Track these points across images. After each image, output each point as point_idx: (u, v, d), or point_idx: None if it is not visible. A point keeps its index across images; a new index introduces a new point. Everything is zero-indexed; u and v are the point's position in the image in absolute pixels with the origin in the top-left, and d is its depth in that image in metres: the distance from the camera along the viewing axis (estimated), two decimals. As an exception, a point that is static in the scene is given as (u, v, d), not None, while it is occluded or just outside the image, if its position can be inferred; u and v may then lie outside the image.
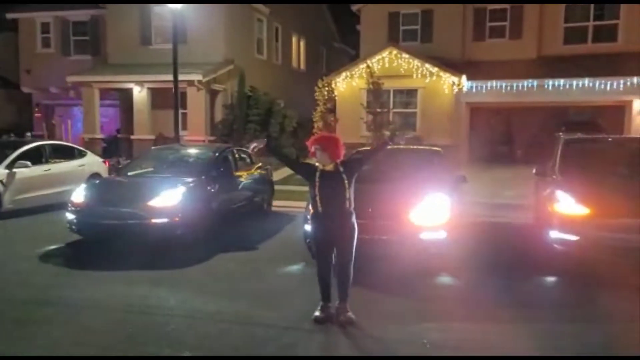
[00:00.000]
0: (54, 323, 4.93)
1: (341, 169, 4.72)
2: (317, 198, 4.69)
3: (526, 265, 6.87)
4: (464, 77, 16.94)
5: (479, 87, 17.30)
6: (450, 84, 16.78)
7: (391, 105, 17.34)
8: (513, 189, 12.51)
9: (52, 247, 7.74)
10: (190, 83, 17.55)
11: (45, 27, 21.92)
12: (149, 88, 18.55)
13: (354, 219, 4.77)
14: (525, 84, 16.65)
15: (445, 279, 6.41)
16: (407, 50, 17.26)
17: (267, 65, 22.01)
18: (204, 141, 17.48)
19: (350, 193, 4.71)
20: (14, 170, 10.04)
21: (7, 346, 4.41)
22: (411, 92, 17.42)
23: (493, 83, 17.02)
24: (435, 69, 16.74)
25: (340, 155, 4.75)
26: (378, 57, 17.14)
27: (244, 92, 18.88)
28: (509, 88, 16.86)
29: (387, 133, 15.95)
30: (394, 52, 17.11)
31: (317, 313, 4.86)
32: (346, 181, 4.67)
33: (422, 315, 4.95)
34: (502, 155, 21.96)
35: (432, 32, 18.86)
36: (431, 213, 6.45)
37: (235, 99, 18.94)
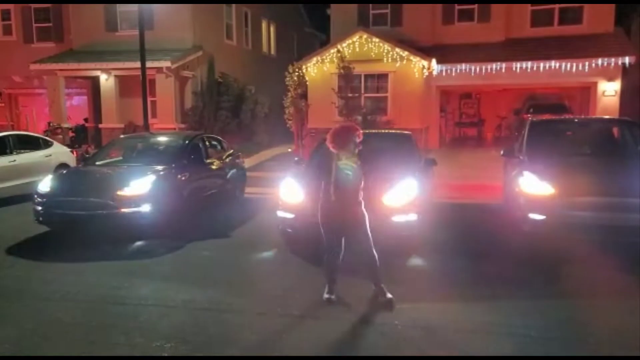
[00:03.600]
0: (21, 316, 4.84)
1: (357, 160, 4.79)
2: (332, 187, 4.73)
3: (495, 245, 7.03)
4: (433, 61, 17.05)
5: (448, 71, 17.46)
6: (420, 68, 16.87)
7: (362, 90, 17.35)
8: (482, 171, 12.74)
9: (19, 239, 7.56)
10: (159, 70, 17.22)
11: (5, 14, 21.15)
12: (116, 76, 18.13)
13: (363, 207, 4.88)
14: (494, 67, 16.86)
15: (416, 261, 6.51)
16: (377, 35, 17.25)
17: (237, 50, 21.73)
18: (174, 129, 17.24)
19: (362, 183, 4.85)
20: (-24, 162, 9.73)
21: (-27, 342, 4.31)
22: (382, 77, 17.45)
23: (462, 66, 17.20)
24: (405, 53, 16.80)
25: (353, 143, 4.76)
26: (348, 41, 17.10)
27: (213, 78, 18.63)
28: (477, 71, 17.06)
29: (359, 118, 16.00)
30: (364, 36, 17.09)
31: (326, 295, 4.99)
32: (360, 172, 4.79)
33: (395, 297, 5.02)
34: (472, 138, 22.33)
35: (401, 16, 18.88)
36: (402, 196, 6.52)
37: (205, 85, 18.68)
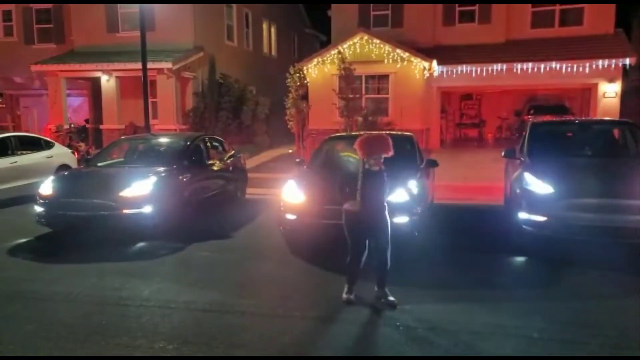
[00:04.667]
0: (24, 318, 4.84)
1: (383, 167, 4.84)
2: (359, 193, 4.79)
3: (496, 246, 7.03)
4: (434, 62, 17.07)
5: (449, 72, 17.48)
6: (421, 69, 16.89)
7: (363, 91, 17.37)
8: (483, 172, 12.74)
9: (21, 240, 7.58)
10: (160, 71, 17.25)
11: (6, 15, 21.18)
12: (117, 77, 18.15)
13: (387, 212, 4.93)
14: (495, 68, 16.89)
15: (417, 262, 6.51)
16: (377, 36, 17.27)
17: (237, 51, 21.75)
18: (175, 130, 17.26)
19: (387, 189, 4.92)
20: (-22, 163, 9.75)
21: (-24, 343, 4.32)
22: (383, 78, 17.48)
23: (463, 67, 17.22)
24: (406, 54, 16.82)
25: (385, 152, 4.80)
26: (349, 42, 17.13)
27: (214, 79, 18.64)
28: (478, 72, 17.09)
29: (360, 119, 16.02)
30: (365, 37, 17.11)
31: (345, 295, 5.02)
32: (386, 179, 4.85)
33: (397, 298, 5.02)
34: (473, 139, 22.34)
35: (402, 17, 18.91)
36: (404, 198, 6.53)
37: (206, 86, 18.69)
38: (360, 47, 17.10)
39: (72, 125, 17.75)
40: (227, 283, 5.74)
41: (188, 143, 9.32)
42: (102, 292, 5.44)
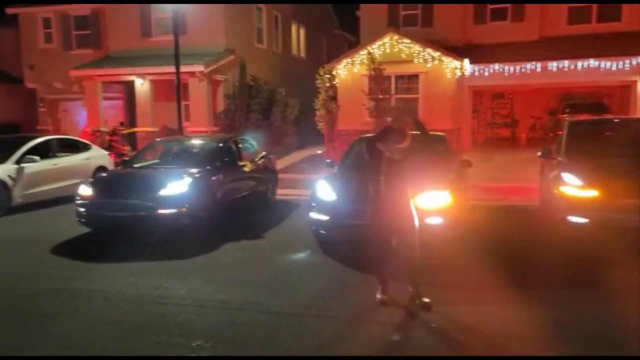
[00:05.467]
0: (66, 315, 5.00)
1: (407, 157, 4.81)
2: (382, 184, 4.78)
3: (532, 247, 6.90)
4: (466, 61, 16.85)
5: (481, 71, 17.21)
6: (452, 68, 16.68)
7: (393, 91, 17.27)
8: (516, 173, 12.51)
9: (61, 240, 7.81)
10: (192, 74, 17.54)
11: (46, 23, 21.89)
12: (150, 80, 18.55)
13: (412, 208, 4.89)
14: (529, 66, 16.54)
15: (451, 263, 6.44)
16: (407, 35, 17.14)
17: (267, 54, 21.94)
18: (206, 131, 17.51)
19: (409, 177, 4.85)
20: (23, 165, 10.10)
21: (21, 339, 4.48)
22: (413, 77, 17.32)
23: (495, 66, 16.93)
24: (437, 54, 16.65)
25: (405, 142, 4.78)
26: (379, 43, 17.05)
27: (245, 81, 18.87)
28: (511, 70, 16.77)
29: (389, 119, 15.92)
30: (395, 37, 17.00)
31: (379, 296, 4.99)
32: (407, 169, 4.81)
33: (431, 300, 4.98)
34: (505, 139, 21.92)
35: (432, 17, 18.70)
36: (435, 199, 6.47)
37: (237, 88, 18.93)
38: (389, 47, 17.00)
39: (118, 127, 17.95)
40: (261, 283, 5.80)
41: (220, 144, 9.46)
42: (140, 291, 5.57)
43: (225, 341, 4.34)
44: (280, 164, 13.97)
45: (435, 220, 6.35)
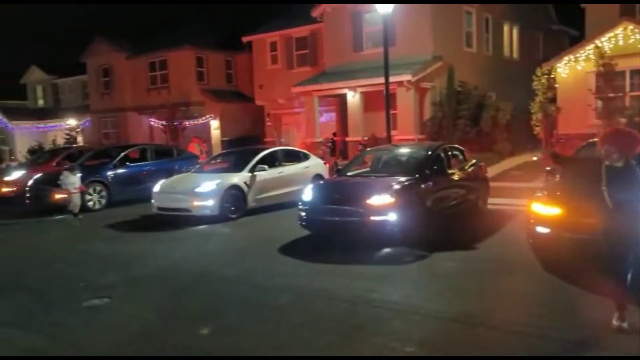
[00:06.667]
0: (295, 310, 5.48)
1: (633, 163, 4.34)
2: (605, 194, 4.42)
3: None
4: None
5: None
6: None
7: (627, 89, 15.10)
8: None
9: (287, 240, 8.67)
10: (400, 83, 17.91)
11: (273, 46, 24.87)
12: (361, 92, 19.51)
13: None
14: None
15: None
16: (646, 24, 14.83)
17: (476, 57, 21.21)
18: (413, 140, 17.68)
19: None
20: (255, 173, 11.58)
21: (258, 326, 5.06)
22: (653, 72, 14.92)
23: None
24: (686, 42, 14.05)
25: (633, 150, 4.36)
26: (609, 35, 15.09)
27: (453, 87, 18.53)
28: None
29: (623, 120, 13.96)
30: (630, 27, 14.86)
31: (615, 322, 4.40)
32: (634, 176, 4.32)
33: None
34: None
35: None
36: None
37: (444, 95, 18.70)
38: (623, 38, 14.93)
39: (326, 141, 19.47)
40: (475, 295, 5.62)
41: (429, 153, 9.45)
42: (355, 293, 5.85)
43: (441, 351, 4.30)
44: (491, 171, 13.34)
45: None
